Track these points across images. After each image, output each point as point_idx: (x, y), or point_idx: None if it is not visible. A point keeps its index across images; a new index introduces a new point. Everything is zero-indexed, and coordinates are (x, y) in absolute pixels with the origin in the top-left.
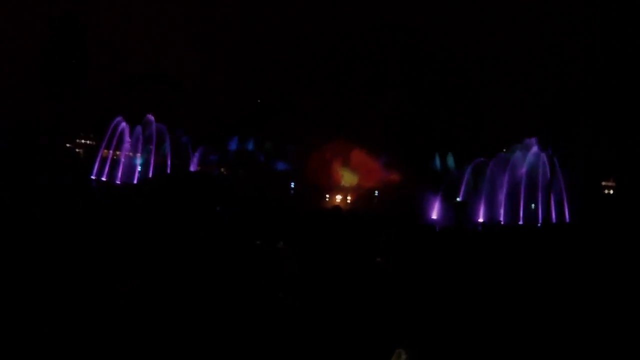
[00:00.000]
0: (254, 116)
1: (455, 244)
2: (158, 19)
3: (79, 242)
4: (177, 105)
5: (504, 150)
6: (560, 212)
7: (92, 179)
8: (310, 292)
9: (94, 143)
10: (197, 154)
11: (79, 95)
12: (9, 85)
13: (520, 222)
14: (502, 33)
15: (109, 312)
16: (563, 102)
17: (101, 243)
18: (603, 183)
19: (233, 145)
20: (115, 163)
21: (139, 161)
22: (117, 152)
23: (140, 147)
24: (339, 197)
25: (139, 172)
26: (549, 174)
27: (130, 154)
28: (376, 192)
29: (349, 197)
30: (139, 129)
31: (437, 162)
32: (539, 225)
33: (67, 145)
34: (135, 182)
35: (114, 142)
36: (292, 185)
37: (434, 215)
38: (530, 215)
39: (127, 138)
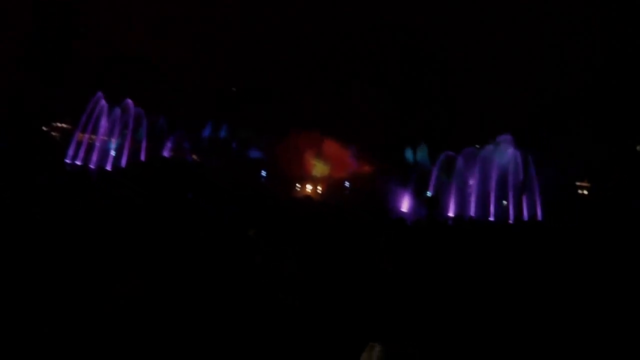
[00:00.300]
0: (228, 102)
1: (428, 238)
2: (147, 9)
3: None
4: (156, 90)
5: (477, 146)
6: (532, 210)
7: (66, 162)
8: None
9: (70, 127)
10: (170, 140)
11: (62, 80)
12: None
13: (491, 219)
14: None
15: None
16: (544, 101)
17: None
18: (577, 183)
19: (206, 132)
20: (90, 147)
21: (113, 145)
22: (93, 136)
23: (117, 130)
24: (309, 187)
25: (113, 156)
26: (521, 172)
27: (105, 137)
28: (347, 183)
29: (319, 188)
30: (117, 110)
31: (410, 155)
32: (510, 222)
33: (44, 128)
34: (108, 167)
35: (91, 124)
36: (264, 174)
37: (404, 209)
38: (502, 212)
39: (104, 119)
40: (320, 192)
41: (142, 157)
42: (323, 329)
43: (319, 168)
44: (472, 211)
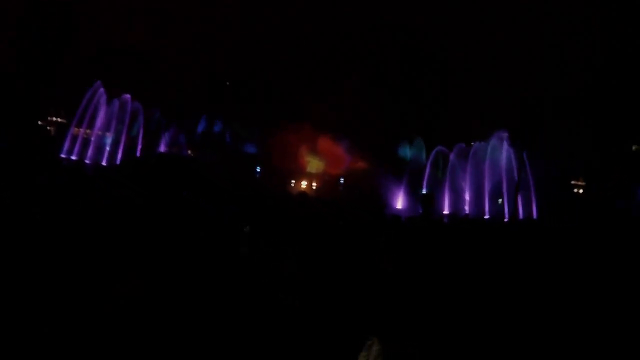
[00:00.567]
0: (221, 97)
1: (423, 236)
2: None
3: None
4: (150, 84)
5: (472, 143)
6: (527, 208)
7: (62, 157)
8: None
9: (65, 121)
10: (166, 135)
11: (56, 74)
12: None
13: (486, 216)
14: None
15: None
16: (539, 100)
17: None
18: (572, 182)
19: (201, 127)
20: (86, 142)
21: (109, 140)
22: (88, 131)
23: (113, 124)
24: (304, 183)
25: (108, 151)
26: (516, 169)
27: (100, 132)
28: (341, 179)
29: (314, 183)
30: (115, 103)
31: (404, 151)
32: (505, 220)
33: (39, 122)
34: (104, 162)
35: (88, 115)
36: (258, 170)
37: (398, 205)
38: (497, 209)
39: (102, 110)
40: (315, 188)
41: (138, 153)
42: (323, 328)
43: (313, 164)
44: (467, 209)
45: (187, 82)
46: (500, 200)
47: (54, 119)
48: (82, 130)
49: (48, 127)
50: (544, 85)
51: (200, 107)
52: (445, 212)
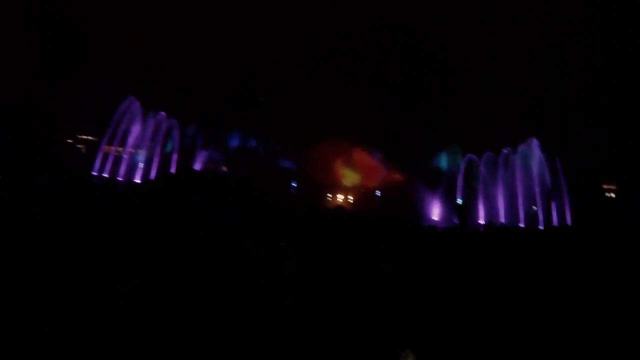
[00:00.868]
0: (252, 112)
1: (460, 246)
2: (158, 17)
3: (79, 242)
4: (177, 99)
5: (505, 150)
6: (561, 215)
7: (93, 175)
8: (310, 292)
9: (96, 139)
10: (202, 151)
11: (77, 89)
12: (9, 77)
13: (521, 224)
14: (502, 33)
15: (109, 312)
16: (563, 103)
17: (101, 243)
18: (604, 186)
19: (234, 142)
20: (118, 159)
21: (142, 157)
22: (120, 148)
23: (147, 141)
24: (340, 197)
25: (142, 168)
26: (548, 175)
27: (133, 150)
28: (378, 192)
29: (350, 197)
30: (149, 120)
31: (440, 160)
32: (540, 227)
33: (69, 141)
34: (138, 179)
35: (120, 133)
36: (294, 184)
37: (435, 216)
38: (532, 217)
39: (137, 126)
40: (351, 201)
41: (173, 170)
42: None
43: (349, 177)
44: (502, 217)
45: (215, 96)
46: (534, 207)
47: (84, 136)
48: (113, 147)
49: (78, 145)
50: (546, 86)
51: (230, 121)
52: (481, 221)
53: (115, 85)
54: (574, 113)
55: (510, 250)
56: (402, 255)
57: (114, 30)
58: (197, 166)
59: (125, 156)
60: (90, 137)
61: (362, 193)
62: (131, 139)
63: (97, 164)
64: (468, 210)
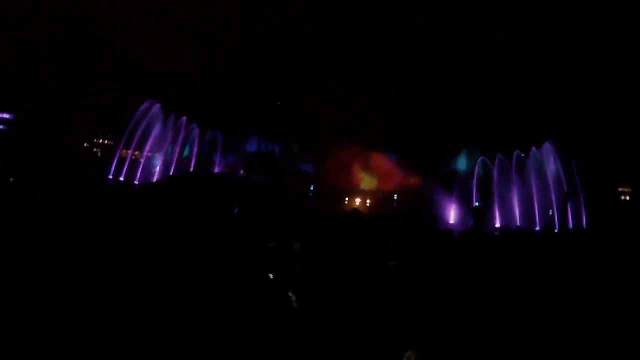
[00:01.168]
0: (270, 116)
1: (475, 250)
2: (162, 20)
3: (79, 241)
4: (193, 103)
5: (522, 154)
6: (577, 218)
7: (109, 178)
8: (311, 293)
9: (112, 143)
10: (220, 156)
11: (90, 93)
12: (22, 80)
13: (537, 228)
14: (502, 33)
15: (109, 312)
16: (575, 104)
17: (101, 243)
18: (619, 188)
19: (252, 146)
20: (134, 163)
21: (158, 161)
22: (136, 152)
23: (164, 146)
24: (358, 200)
25: (158, 172)
26: (564, 178)
27: (149, 153)
28: (395, 195)
29: (368, 200)
30: (169, 124)
31: (455, 163)
32: (556, 230)
33: (85, 144)
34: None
35: (137, 136)
36: (312, 188)
37: (451, 220)
38: (548, 220)
39: (157, 128)
40: (368, 204)
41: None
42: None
43: (366, 181)
44: (517, 221)
45: (233, 100)
46: (550, 211)
47: (101, 140)
48: (130, 151)
49: (94, 149)
50: (551, 87)
51: (248, 126)
52: (497, 225)
53: (130, 88)
54: (588, 116)
55: (524, 255)
56: (407, 256)
57: (130, 34)
58: (216, 170)
59: (142, 160)
60: (107, 141)
61: (379, 197)
62: (149, 143)
63: (113, 167)
64: (483, 213)
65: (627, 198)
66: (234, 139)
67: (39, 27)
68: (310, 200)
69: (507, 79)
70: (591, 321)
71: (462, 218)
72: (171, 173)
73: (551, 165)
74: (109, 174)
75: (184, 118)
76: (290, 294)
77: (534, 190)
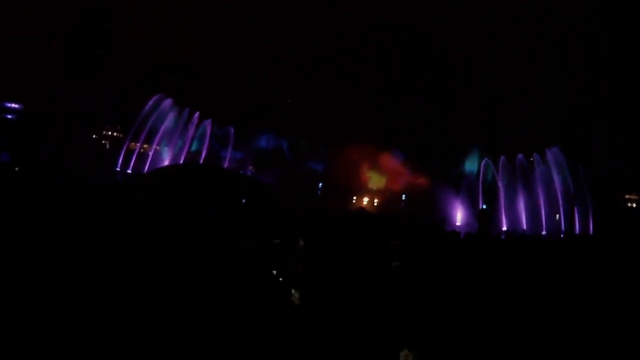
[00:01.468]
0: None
1: (479, 253)
2: (164, 19)
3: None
4: (202, 98)
5: (531, 158)
6: (583, 223)
7: (116, 170)
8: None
9: (121, 136)
10: (230, 152)
11: (100, 88)
12: (32, 73)
13: (544, 232)
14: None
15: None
16: (575, 105)
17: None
18: (626, 196)
19: (261, 143)
20: (142, 156)
21: (167, 155)
22: (145, 146)
23: (175, 140)
24: (366, 199)
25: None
26: (571, 184)
27: (158, 147)
28: (403, 195)
29: (376, 200)
30: (181, 119)
31: (462, 164)
32: (561, 235)
33: (94, 136)
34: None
35: (147, 128)
36: (320, 186)
37: (458, 222)
38: (554, 225)
39: (165, 125)
40: (376, 204)
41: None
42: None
43: (374, 180)
44: (524, 225)
45: (244, 97)
46: (557, 215)
47: (110, 133)
48: (138, 144)
49: (103, 142)
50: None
51: (259, 123)
52: (504, 228)
53: (139, 83)
54: (590, 116)
55: (527, 259)
56: (411, 256)
57: (135, 32)
58: (225, 165)
59: (150, 153)
60: (115, 134)
61: (387, 196)
62: (158, 136)
63: (121, 160)
64: (489, 216)
65: (634, 205)
66: (244, 135)
67: (50, 22)
68: (318, 199)
69: (507, 79)
70: (591, 324)
71: (468, 220)
72: None
73: (558, 170)
74: (116, 167)
75: (197, 114)
76: (292, 291)
77: (541, 194)
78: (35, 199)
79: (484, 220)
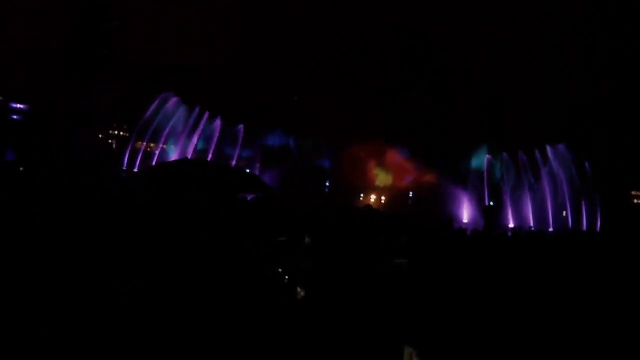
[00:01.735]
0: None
1: (482, 250)
2: (165, 18)
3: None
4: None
5: (537, 155)
6: (590, 220)
7: (122, 169)
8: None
9: (127, 135)
10: (238, 150)
11: (101, 88)
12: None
13: (550, 229)
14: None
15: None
16: (576, 104)
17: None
18: (633, 192)
19: (268, 141)
20: (148, 155)
21: (173, 153)
22: (151, 145)
23: (182, 138)
24: (373, 197)
25: None
26: (578, 180)
27: (164, 145)
28: (410, 193)
29: (383, 197)
30: (190, 118)
31: (469, 161)
32: (569, 232)
33: (100, 136)
34: None
35: (153, 126)
36: (327, 183)
37: (465, 219)
38: (561, 222)
39: (171, 120)
40: (383, 201)
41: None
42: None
43: (381, 177)
44: (531, 221)
45: (252, 95)
46: (564, 212)
47: (116, 132)
48: (144, 143)
49: (109, 141)
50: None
51: (266, 121)
52: (510, 225)
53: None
54: (590, 116)
55: (533, 256)
56: (418, 254)
57: (148, 29)
58: (233, 163)
59: (156, 151)
60: (122, 133)
61: (394, 194)
62: (164, 135)
63: (126, 158)
64: (494, 213)
65: None
66: (251, 133)
67: (52, 22)
68: (325, 196)
69: (508, 79)
70: (593, 323)
71: (475, 217)
72: None
73: (564, 167)
74: (122, 166)
75: (207, 113)
76: (298, 289)
77: (547, 191)
78: (35, 199)
79: (490, 217)
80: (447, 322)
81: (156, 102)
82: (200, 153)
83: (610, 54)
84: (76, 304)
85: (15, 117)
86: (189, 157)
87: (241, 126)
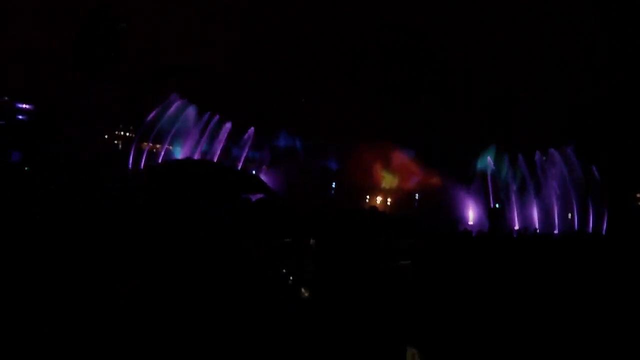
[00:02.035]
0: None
1: (487, 252)
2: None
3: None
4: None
5: (544, 157)
6: (596, 223)
7: (127, 169)
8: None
9: (133, 135)
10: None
11: (105, 87)
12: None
13: (556, 231)
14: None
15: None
16: (576, 104)
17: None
18: (638, 195)
19: (277, 143)
20: (154, 155)
21: (178, 154)
22: (157, 145)
23: (189, 140)
24: (379, 199)
25: None
26: (584, 183)
27: (170, 146)
28: (416, 195)
29: (389, 199)
30: (193, 121)
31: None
32: (574, 234)
33: (105, 137)
34: None
35: (159, 127)
36: (334, 185)
37: (470, 221)
38: (567, 224)
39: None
40: (389, 203)
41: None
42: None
43: (387, 179)
44: (537, 223)
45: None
46: (570, 214)
47: (122, 133)
48: (149, 144)
49: (115, 141)
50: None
51: (274, 122)
52: (516, 227)
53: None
54: (590, 117)
55: (537, 259)
56: (422, 255)
57: (148, 29)
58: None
59: (162, 152)
60: (128, 134)
61: (400, 196)
62: (170, 135)
63: (131, 159)
64: (500, 215)
65: None
66: (257, 134)
67: (58, 23)
68: (331, 197)
69: (508, 79)
70: (596, 324)
71: (480, 219)
72: None
73: (570, 169)
74: (128, 166)
75: (217, 116)
76: (302, 290)
77: (553, 193)
78: (36, 199)
79: (495, 219)
80: (450, 323)
81: (164, 103)
82: (205, 154)
83: (608, 55)
84: (76, 303)
85: (20, 117)
86: (196, 157)
87: (252, 129)
